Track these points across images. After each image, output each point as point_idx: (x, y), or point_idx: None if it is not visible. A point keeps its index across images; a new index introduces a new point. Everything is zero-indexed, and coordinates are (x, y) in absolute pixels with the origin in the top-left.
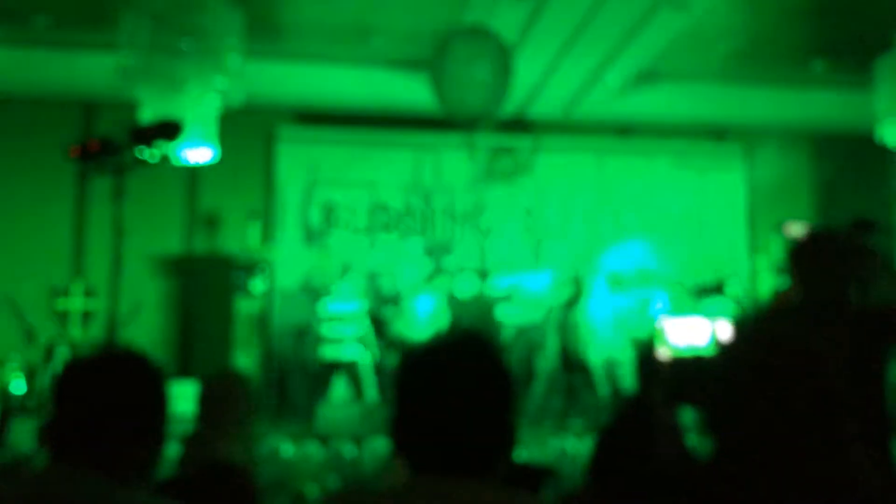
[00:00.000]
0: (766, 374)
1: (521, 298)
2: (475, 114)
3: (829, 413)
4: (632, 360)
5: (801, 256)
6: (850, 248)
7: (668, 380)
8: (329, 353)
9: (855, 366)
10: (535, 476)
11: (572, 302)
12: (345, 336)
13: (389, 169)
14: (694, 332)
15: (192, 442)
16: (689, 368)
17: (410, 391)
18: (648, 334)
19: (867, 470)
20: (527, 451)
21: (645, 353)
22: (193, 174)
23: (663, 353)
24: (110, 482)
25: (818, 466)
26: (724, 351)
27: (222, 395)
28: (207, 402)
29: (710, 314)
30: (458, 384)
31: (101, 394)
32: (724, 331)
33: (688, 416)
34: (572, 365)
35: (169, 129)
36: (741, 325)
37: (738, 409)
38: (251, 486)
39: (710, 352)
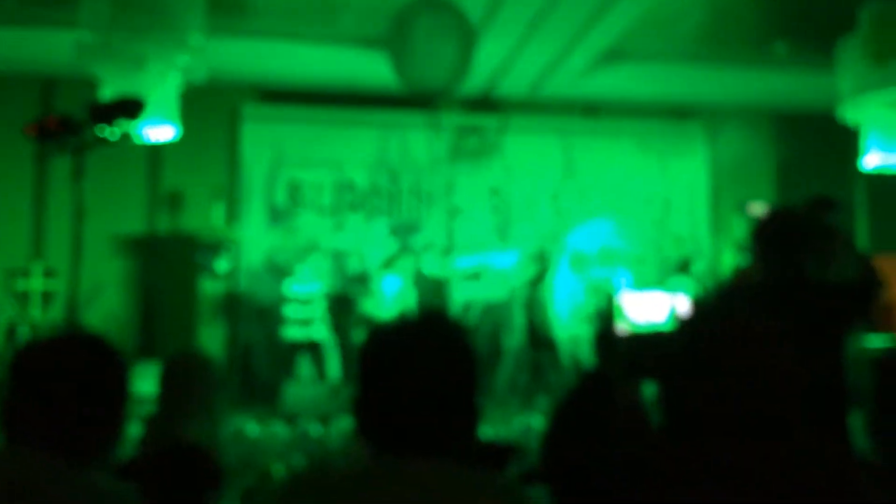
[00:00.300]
0: (718, 352)
1: (488, 277)
2: (435, 89)
3: (779, 393)
4: (590, 335)
5: (761, 235)
6: (810, 226)
7: (626, 354)
8: (293, 333)
9: (814, 342)
10: (500, 454)
11: (538, 280)
12: (308, 317)
13: (355, 148)
14: (653, 308)
15: (154, 423)
16: (647, 344)
17: (374, 371)
18: (607, 309)
19: (816, 451)
20: (493, 429)
21: (603, 327)
22: (155, 153)
23: (622, 328)
24: (68, 464)
25: (766, 447)
26: (681, 327)
27: (184, 375)
28: (169, 382)
29: (674, 293)
30: (422, 364)
31: (59, 375)
32: (683, 307)
33: (650, 391)
34: (539, 342)
35: (130, 107)
36: (700, 303)
37: (689, 386)
38: (213, 467)
39: (668, 328)
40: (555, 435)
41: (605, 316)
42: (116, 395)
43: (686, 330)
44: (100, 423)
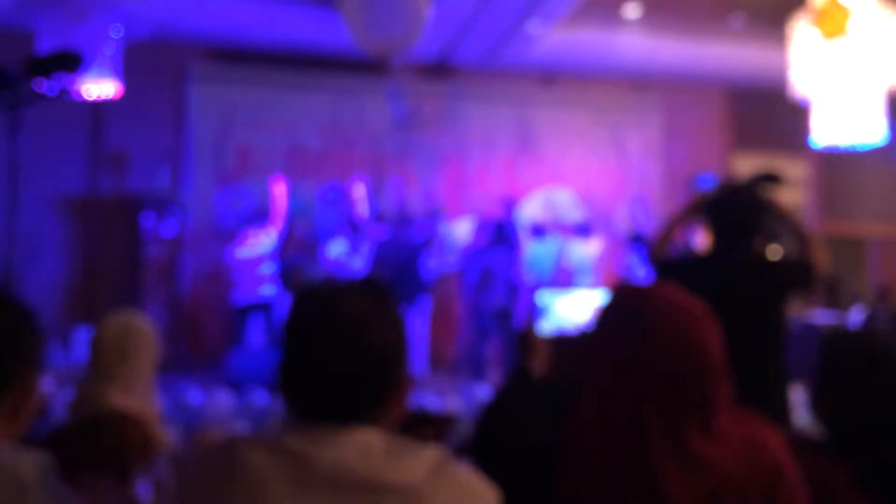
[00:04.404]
0: (637, 333)
1: (443, 245)
2: (389, 48)
3: (700, 375)
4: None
5: (708, 209)
6: (755, 201)
7: (552, 351)
8: (243, 298)
9: (755, 315)
10: (436, 423)
11: (493, 249)
12: (259, 281)
13: (308, 112)
14: (577, 307)
15: (83, 389)
16: (572, 339)
17: (296, 335)
18: (529, 309)
19: (739, 434)
20: (441, 399)
21: (524, 328)
22: (98, 110)
23: (544, 327)
24: None
25: (687, 432)
26: (601, 312)
27: (116, 340)
28: (100, 346)
29: (627, 265)
30: (347, 328)
31: None
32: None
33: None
34: (493, 312)
35: (68, 61)
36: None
37: (606, 373)
38: (140, 435)
39: (590, 324)
40: (484, 418)
41: (527, 316)
42: (22, 360)
43: (604, 314)
44: (6, 391)
